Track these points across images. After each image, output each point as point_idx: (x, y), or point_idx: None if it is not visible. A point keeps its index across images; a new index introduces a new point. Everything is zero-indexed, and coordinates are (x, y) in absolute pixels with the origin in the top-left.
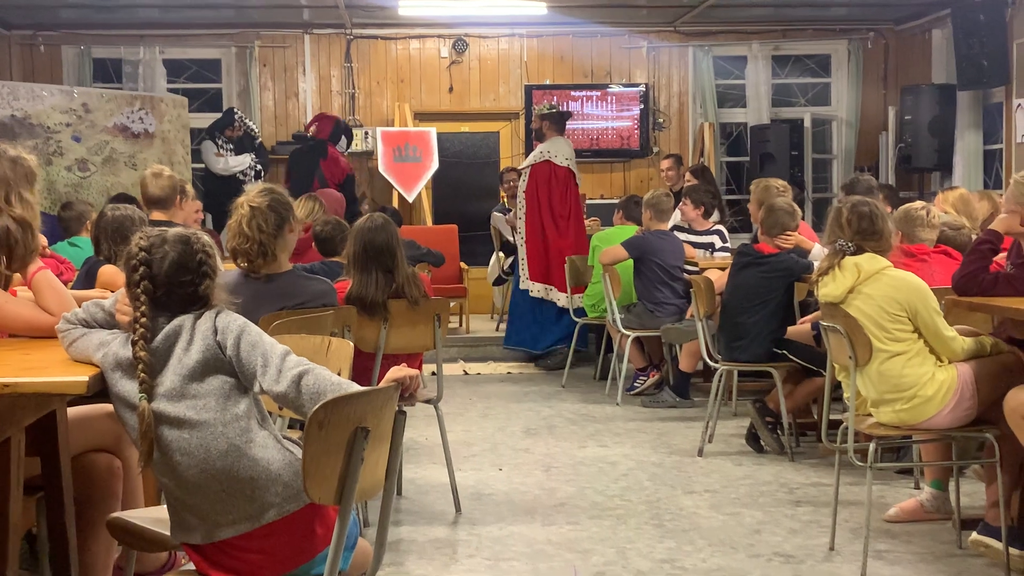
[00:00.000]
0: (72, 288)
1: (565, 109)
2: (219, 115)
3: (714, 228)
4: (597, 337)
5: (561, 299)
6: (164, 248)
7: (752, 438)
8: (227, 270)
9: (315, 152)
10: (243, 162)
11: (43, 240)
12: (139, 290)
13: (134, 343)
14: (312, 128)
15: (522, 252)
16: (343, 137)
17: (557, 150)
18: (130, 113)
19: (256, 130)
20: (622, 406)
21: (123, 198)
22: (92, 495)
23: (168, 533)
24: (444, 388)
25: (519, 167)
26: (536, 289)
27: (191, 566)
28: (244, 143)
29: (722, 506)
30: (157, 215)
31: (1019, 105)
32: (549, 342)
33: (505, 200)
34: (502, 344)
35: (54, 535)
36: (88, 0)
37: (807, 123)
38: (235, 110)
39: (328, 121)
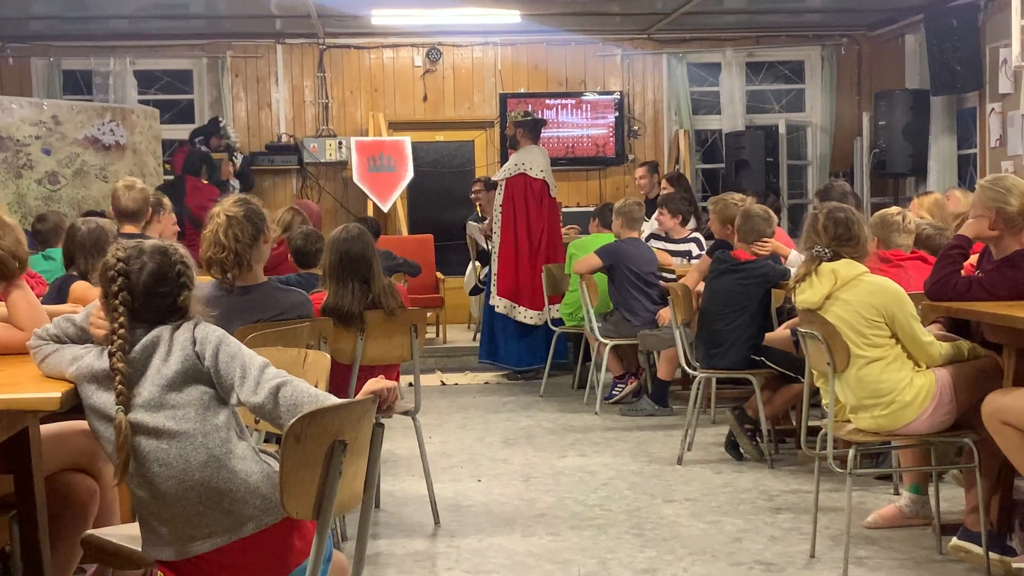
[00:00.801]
0: (44, 302)
1: (540, 117)
2: (191, 126)
3: (691, 236)
4: (575, 346)
5: (527, 317)
6: (142, 259)
7: (731, 446)
8: (201, 283)
9: (175, 190)
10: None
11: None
12: (117, 301)
13: (112, 354)
14: (168, 166)
15: (494, 266)
16: (202, 165)
17: (532, 161)
18: (101, 125)
19: (236, 142)
20: (601, 415)
21: (93, 215)
22: (66, 514)
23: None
24: (422, 399)
25: (493, 178)
26: (502, 305)
27: None
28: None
29: (702, 514)
30: (129, 228)
31: (992, 110)
32: (526, 362)
33: (479, 208)
34: (478, 358)
35: (27, 553)
36: (57, 11)
37: (782, 129)
38: (220, 119)
39: (180, 155)
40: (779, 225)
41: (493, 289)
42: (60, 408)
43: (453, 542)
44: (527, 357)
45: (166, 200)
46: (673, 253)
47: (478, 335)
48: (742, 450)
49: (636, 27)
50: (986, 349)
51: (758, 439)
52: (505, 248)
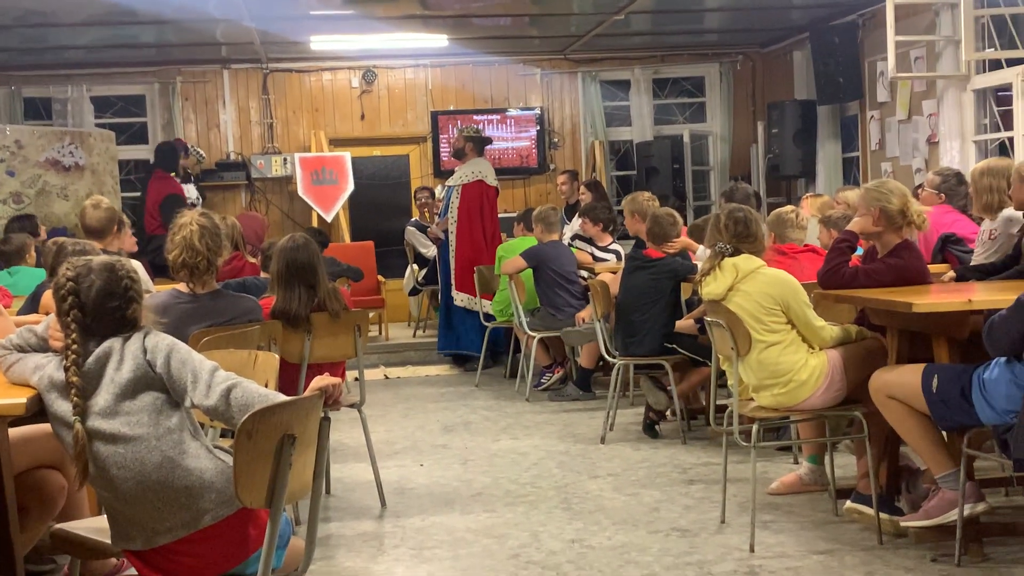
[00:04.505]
0: (19, 312)
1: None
2: (146, 147)
3: (612, 247)
4: (505, 339)
5: (488, 307)
6: (91, 277)
7: (648, 427)
8: (158, 291)
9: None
10: (191, 191)
11: None
12: (68, 318)
13: (66, 368)
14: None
15: (452, 264)
16: (176, 159)
17: (487, 171)
18: (61, 148)
19: (203, 157)
20: (531, 401)
21: (56, 233)
22: (34, 507)
23: (109, 542)
24: (366, 392)
25: (447, 183)
26: (461, 299)
27: (134, 572)
28: (188, 174)
29: (624, 488)
30: (95, 244)
31: (872, 117)
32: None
33: (427, 214)
34: (437, 350)
35: (0, 547)
36: (18, 43)
37: (686, 139)
38: (188, 145)
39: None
40: (685, 225)
41: (453, 284)
42: (25, 413)
43: (399, 522)
44: (478, 345)
45: (125, 217)
46: (595, 258)
47: (417, 332)
48: (651, 402)
49: (553, 49)
50: (872, 331)
51: (668, 392)
52: (462, 248)
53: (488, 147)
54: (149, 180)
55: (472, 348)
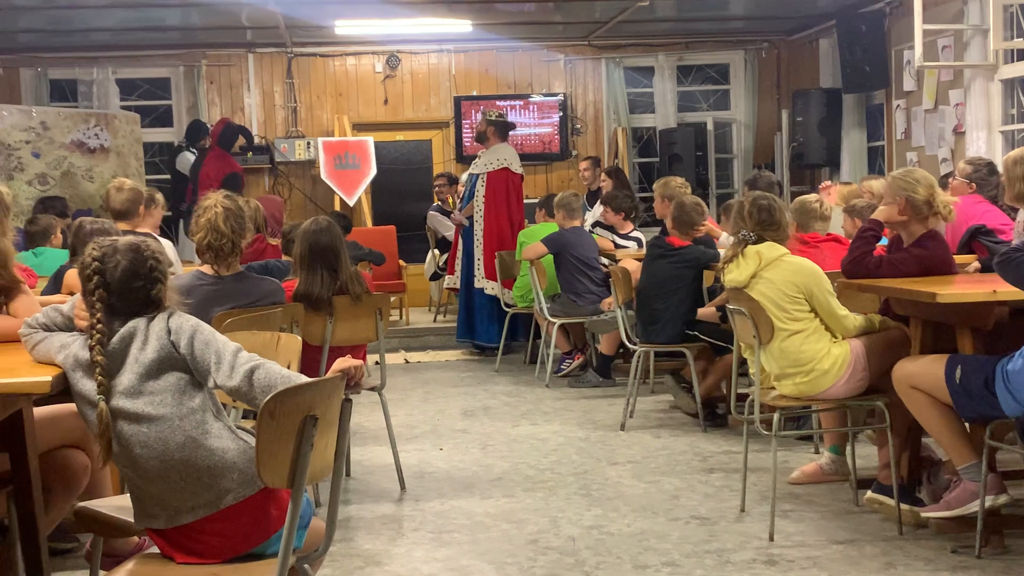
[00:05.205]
0: (43, 293)
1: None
2: (170, 130)
3: (633, 234)
4: (525, 325)
5: (507, 295)
6: (116, 257)
7: (711, 416)
8: (183, 272)
9: (197, 160)
10: None
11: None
12: (94, 298)
13: (91, 348)
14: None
15: (478, 252)
16: (235, 139)
17: (512, 157)
18: (86, 130)
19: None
20: (550, 387)
21: (80, 214)
22: (59, 486)
23: (132, 520)
24: (387, 376)
25: (471, 170)
26: (490, 287)
27: (156, 550)
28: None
29: (643, 475)
30: (122, 226)
31: (898, 106)
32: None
33: (450, 200)
34: (456, 338)
35: (24, 525)
36: (44, 25)
37: (710, 126)
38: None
39: (218, 126)
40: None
41: (478, 273)
42: (50, 391)
43: (418, 506)
44: (498, 336)
45: (159, 195)
46: (617, 245)
47: (438, 317)
48: (678, 404)
49: (577, 35)
50: (895, 321)
51: (693, 395)
52: (489, 235)
53: (510, 133)
54: (205, 157)
55: (488, 339)
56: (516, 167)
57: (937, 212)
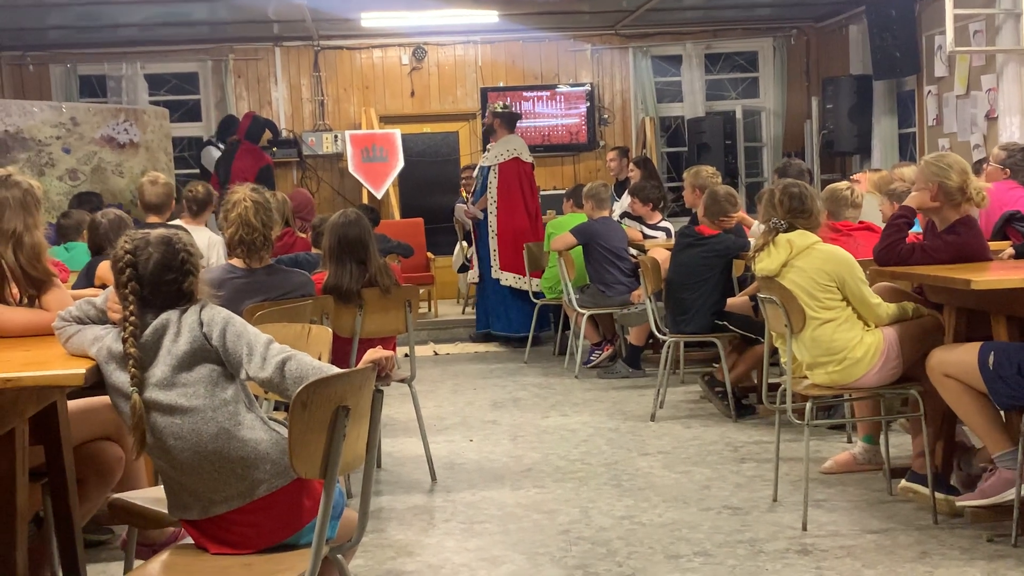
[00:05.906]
0: (74, 287)
1: (516, 111)
2: (199, 124)
3: (662, 224)
4: (554, 316)
5: (536, 285)
6: (148, 250)
7: (738, 406)
8: (212, 267)
9: (226, 154)
10: None
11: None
12: (127, 290)
13: (124, 340)
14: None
15: (493, 244)
16: (262, 133)
17: (520, 147)
18: (115, 125)
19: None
20: (580, 378)
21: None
22: (93, 479)
23: (166, 511)
24: (416, 368)
25: (482, 163)
26: (507, 278)
27: (190, 540)
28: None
29: (674, 465)
30: (153, 219)
31: (929, 92)
32: (515, 330)
33: (467, 194)
34: (476, 329)
35: (59, 517)
36: (73, 21)
37: (738, 115)
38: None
39: (245, 120)
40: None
41: (495, 265)
42: (84, 384)
43: (449, 496)
44: (517, 326)
45: (215, 193)
46: (646, 236)
47: (466, 309)
48: (717, 407)
49: (604, 24)
50: (929, 309)
51: (727, 400)
52: (504, 227)
53: (537, 124)
54: (236, 152)
55: (508, 329)
56: (526, 156)
57: (970, 198)
